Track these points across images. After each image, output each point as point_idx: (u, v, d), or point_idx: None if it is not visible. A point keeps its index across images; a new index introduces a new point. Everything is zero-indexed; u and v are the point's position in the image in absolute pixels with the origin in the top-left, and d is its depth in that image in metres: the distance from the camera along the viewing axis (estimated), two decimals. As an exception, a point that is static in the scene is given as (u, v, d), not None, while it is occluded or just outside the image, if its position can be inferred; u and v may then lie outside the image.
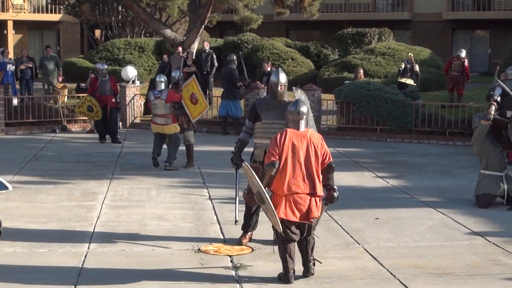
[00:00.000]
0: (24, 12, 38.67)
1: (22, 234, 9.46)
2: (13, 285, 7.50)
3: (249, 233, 9.40)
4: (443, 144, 18.69)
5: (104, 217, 10.66)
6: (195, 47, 24.72)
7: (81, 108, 18.59)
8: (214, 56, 23.19)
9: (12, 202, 11.47)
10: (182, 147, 14.88)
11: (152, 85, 15.51)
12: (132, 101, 21.61)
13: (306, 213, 7.61)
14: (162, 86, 14.46)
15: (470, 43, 37.68)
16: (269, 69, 20.62)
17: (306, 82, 23.10)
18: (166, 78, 14.79)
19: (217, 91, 22.29)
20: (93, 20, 36.15)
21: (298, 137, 7.68)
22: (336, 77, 25.45)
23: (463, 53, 22.32)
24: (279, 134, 7.74)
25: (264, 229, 9.53)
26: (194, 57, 23.25)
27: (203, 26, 25.00)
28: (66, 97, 23.33)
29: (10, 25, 38.29)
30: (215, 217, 10.73)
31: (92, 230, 9.87)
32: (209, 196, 12.18)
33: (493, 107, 11.83)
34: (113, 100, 18.34)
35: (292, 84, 23.55)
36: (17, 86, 23.58)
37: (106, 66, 18.76)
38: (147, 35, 34.60)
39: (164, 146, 14.79)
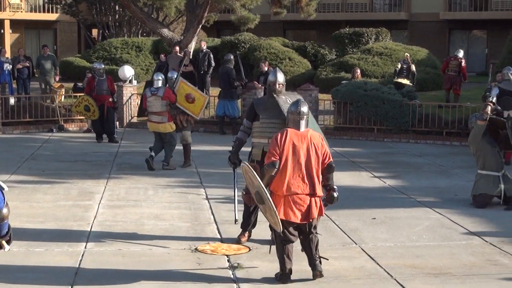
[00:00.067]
0: (21, 12, 38.60)
1: (19, 233, 9.42)
2: (10, 285, 7.49)
3: (248, 231, 9.42)
4: (440, 144, 18.72)
5: (101, 216, 10.65)
6: (192, 46, 24.70)
7: (78, 108, 18.59)
8: (211, 55, 23.18)
9: (9, 201, 11.40)
10: (179, 147, 14.88)
11: (148, 87, 15.44)
12: (129, 100, 21.61)
13: (306, 214, 7.58)
14: (159, 84, 14.42)
15: (467, 43, 37.70)
16: (266, 69, 20.62)
17: (303, 82, 23.10)
18: (163, 77, 14.77)
19: (214, 91, 22.27)
20: (90, 20, 36.11)
21: (298, 137, 7.63)
22: (333, 77, 25.44)
23: (461, 53, 22.32)
24: (279, 134, 7.68)
25: (261, 229, 9.53)
26: (191, 57, 23.23)
27: (200, 26, 24.98)
28: (63, 96, 23.30)
29: (7, 24, 38.23)
30: (212, 216, 10.73)
31: (89, 230, 9.87)
32: (206, 196, 12.17)
33: (490, 108, 11.85)
34: (110, 99, 18.33)
35: (290, 84, 23.60)
36: (14, 86, 23.56)
37: (103, 66, 18.77)
38: (144, 34, 34.56)
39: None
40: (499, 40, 32.85)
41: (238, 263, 8.32)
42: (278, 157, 7.54)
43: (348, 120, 19.95)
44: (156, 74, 14.89)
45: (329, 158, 7.77)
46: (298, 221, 7.58)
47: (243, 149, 9.46)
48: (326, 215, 10.42)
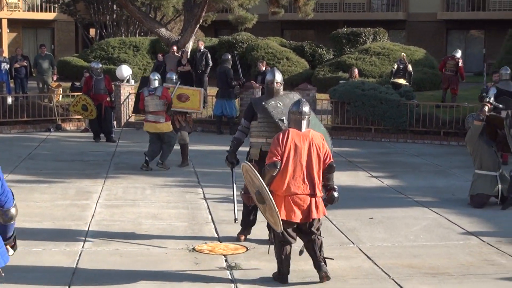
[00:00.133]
0: (19, 11, 38.60)
1: (16, 233, 9.40)
2: (8, 285, 7.47)
3: (247, 229, 9.44)
4: (437, 144, 18.72)
5: (98, 216, 10.65)
6: (189, 46, 24.71)
7: (75, 107, 18.57)
8: (209, 55, 23.18)
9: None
10: (176, 146, 14.87)
11: (143, 83, 15.38)
12: (127, 100, 21.59)
13: (306, 214, 7.52)
14: (156, 84, 14.30)
15: (465, 43, 37.75)
16: (264, 68, 20.62)
17: (301, 82, 23.11)
18: (160, 76, 14.69)
19: (212, 91, 22.27)
20: (87, 19, 36.10)
21: (300, 137, 7.57)
22: (331, 77, 25.48)
23: (458, 54, 22.34)
24: (281, 134, 7.63)
25: (258, 228, 9.54)
26: (188, 56, 23.23)
27: (198, 25, 25.01)
28: (60, 96, 23.28)
29: (4, 23, 38.21)
30: (209, 216, 10.73)
31: (86, 229, 9.86)
32: (204, 195, 12.17)
33: (487, 108, 11.85)
34: (108, 99, 18.31)
35: (287, 83, 23.59)
36: (12, 85, 23.56)
37: (100, 65, 18.75)
38: (142, 34, 34.57)
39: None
40: (497, 40, 32.91)
41: (235, 263, 8.32)
42: (279, 157, 7.48)
43: (345, 120, 19.95)
44: (153, 74, 14.78)
45: (330, 159, 7.73)
46: (298, 221, 7.54)
47: (240, 148, 9.46)
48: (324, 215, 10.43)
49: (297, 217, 7.51)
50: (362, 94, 19.75)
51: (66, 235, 9.50)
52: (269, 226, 9.23)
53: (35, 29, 40.46)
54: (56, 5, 37.42)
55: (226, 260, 8.50)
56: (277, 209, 7.28)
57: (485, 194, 11.58)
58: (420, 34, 36.97)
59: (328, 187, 7.87)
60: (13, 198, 5.38)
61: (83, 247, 9.02)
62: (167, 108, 14.25)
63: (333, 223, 10.28)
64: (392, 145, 18.72)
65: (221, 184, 12.75)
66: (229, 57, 20.99)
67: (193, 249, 8.94)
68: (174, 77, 15.46)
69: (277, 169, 7.47)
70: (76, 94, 20.61)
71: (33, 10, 39.70)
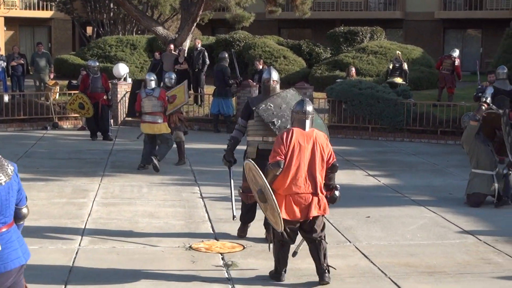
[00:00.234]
0: (16, 9, 38.54)
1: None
2: (4, 282, 7.47)
3: (247, 225, 9.47)
4: (434, 143, 18.76)
5: (95, 214, 10.64)
6: (187, 44, 24.70)
7: (72, 105, 18.55)
8: (206, 53, 23.17)
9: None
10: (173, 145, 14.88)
11: (135, 86, 15.21)
12: (124, 98, 21.57)
13: (306, 211, 7.47)
14: (153, 84, 14.14)
15: (462, 42, 37.78)
16: (261, 67, 20.60)
17: (298, 81, 23.13)
18: (156, 77, 14.55)
19: (209, 89, 22.28)
20: (84, 17, 36.07)
21: (304, 137, 7.51)
22: (328, 76, 25.47)
23: (455, 53, 22.35)
24: (285, 133, 7.57)
25: (256, 227, 9.55)
26: (185, 55, 23.23)
27: (195, 24, 24.98)
28: (57, 94, 23.28)
29: (1, 21, 38.16)
30: (206, 214, 10.73)
31: (83, 227, 9.85)
32: (201, 194, 12.17)
33: (483, 108, 11.86)
34: (105, 97, 18.30)
35: (284, 82, 23.59)
36: (8, 83, 23.53)
37: (97, 63, 18.73)
38: (139, 32, 34.55)
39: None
40: (494, 40, 32.94)
41: (232, 261, 8.32)
42: (283, 156, 7.41)
43: (342, 118, 19.96)
44: (149, 74, 14.59)
45: (333, 158, 7.71)
46: (299, 219, 7.50)
47: (238, 147, 9.46)
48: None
49: (298, 215, 7.46)
50: (359, 93, 19.76)
51: (63, 233, 9.49)
52: (266, 225, 9.26)
53: (32, 27, 40.41)
54: (53, 3, 37.36)
55: (223, 259, 8.50)
56: (278, 209, 7.24)
57: (482, 193, 11.59)
58: (417, 33, 36.99)
59: (330, 187, 7.84)
60: (26, 199, 5.45)
61: (79, 245, 9.02)
62: (164, 110, 14.12)
63: (329, 222, 10.27)
64: (389, 144, 18.73)
65: (218, 183, 12.76)
66: (226, 55, 21.00)
67: (190, 247, 8.94)
68: (173, 77, 15.43)
69: (281, 169, 7.40)
70: (73, 92, 20.61)
71: (30, 8, 39.64)
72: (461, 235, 9.85)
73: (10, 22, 38.50)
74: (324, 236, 7.68)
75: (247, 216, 9.47)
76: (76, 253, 8.65)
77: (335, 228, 10.02)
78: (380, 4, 39.45)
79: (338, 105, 19.99)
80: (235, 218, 9.46)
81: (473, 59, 35.58)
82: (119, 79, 22.00)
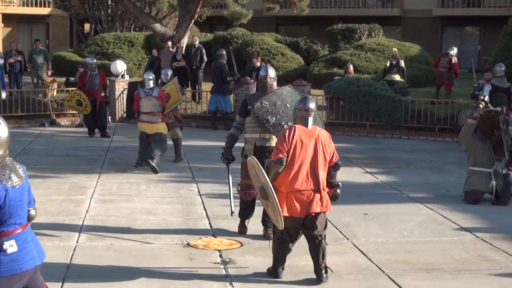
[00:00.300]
0: (13, 6, 38.52)
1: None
2: (1, 279, 7.47)
3: (247, 221, 9.50)
4: (432, 140, 18.77)
5: (93, 211, 10.64)
6: (184, 41, 24.68)
7: (70, 102, 18.54)
8: (204, 51, 23.14)
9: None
10: (170, 142, 14.85)
11: (132, 88, 15.09)
12: (121, 95, 21.55)
13: (307, 207, 7.45)
14: (151, 84, 13.98)
15: (460, 39, 37.80)
16: (258, 64, 20.60)
17: (296, 78, 23.10)
18: (154, 76, 14.42)
19: (207, 86, 22.27)
20: (82, 14, 36.04)
21: (306, 134, 7.49)
22: (326, 73, 25.46)
23: (453, 51, 22.34)
24: (287, 130, 7.55)
25: (254, 224, 9.55)
26: (183, 52, 23.21)
27: (193, 21, 24.95)
28: (55, 91, 23.25)
29: (-1, 18, 38.21)
30: (204, 211, 10.73)
31: (81, 224, 9.85)
32: (198, 191, 12.17)
33: (481, 106, 11.87)
34: (102, 94, 18.29)
35: (282, 79, 23.59)
36: (6, 80, 23.49)
37: (95, 60, 18.71)
38: (137, 29, 34.52)
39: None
40: (492, 37, 32.96)
41: (230, 258, 8.32)
42: (285, 154, 7.39)
43: (340, 115, 19.97)
44: (147, 74, 14.38)
45: (336, 157, 7.69)
46: (300, 215, 7.47)
47: (236, 144, 9.47)
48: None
49: (300, 212, 7.43)
50: (357, 90, 19.76)
51: (61, 230, 9.48)
52: (264, 222, 9.27)
53: (29, 24, 40.40)
54: (51, 0, 37.33)
55: (220, 256, 8.50)
56: (279, 208, 7.22)
57: (480, 190, 11.61)
58: (415, 31, 37.01)
59: (332, 184, 7.82)
60: (34, 200, 5.49)
61: (77, 242, 9.02)
62: (162, 110, 14.03)
63: (327, 219, 10.25)
64: (386, 141, 18.74)
65: (216, 180, 12.75)
66: (224, 52, 20.99)
67: (188, 244, 8.94)
68: (169, 73, 15.40)
69: (283, 166, 7.38)
70: (70, 89, 20.60)
71: (27, 5, 39.62)
72: (458, 232, 9.86)
73: (7, 19, 38.48)
74: (325, 236, 7.67)
75: (245, 213, 9.49)
76: (74, 250, 8.65)
77: (333, 225, 10.02)
78: (378, 1, 39.47)
79: (336, 102, 19.99)
80: (233, 214, 9.47)
81: (471, 56, 35.59)
82: (117, 76, 21.98)
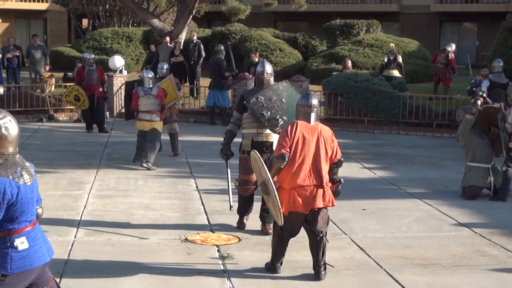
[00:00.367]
0: (11, 1, 38.44)
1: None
2: None
3: (246, 217, 9.53)
4: (430, 136, 18.78)
5: (91, 206, 10.64)
6: (182, 37, 24.67)
7: (68, 97, 18.52)
8: (202, 46, 23.13)
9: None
10: (166, 137, 14.86)
11: (129, 88, 15.01)
12: (119, 90, 21.53)
13: (310, 202, 7.42)
14: (151, 82, 13.94)
15: (458, 35, 37.79)
16: (256, 59, 20.57)
17: (294, 73, 23.11)
18: (153, 74, 14.35)
19: (205, 81, 22.26)
20: (80, 9, 36.00)
21: (308, 129, 7.46)
22: (324, 68, 25.46)
23: (450, 47, 22.35)
24: (289, 126, 7.52)
25: (252, 219, 9.55)
26: (181, 47, 23.19)
27: (191, 16, 24.95)
28: (53, 86, 23.24)
29: (-4, 13, 38.12)
30: (202, 207, 10.73)
31: (79, 219, 9.85)
32: (196, 186, 12.16)
33: (479, 102, 11.87)
34: (100, 89, 18.29)
35: (280, 74, 23.59)
36: (4, 75, 23.47)
37: (93, 56, 18.70)
38: (135, 24, 34.49)
39: None
40: (490, 33, 32.97)
41: (228, 253, 8.32)
42: (288, 149, 7.36)
43: (338, 111, 19.97)
44: (146, 72, 14.30)
45: (340, 154, 7.68)
46: (303, 211, 7.45)
47: (234, 140, 9.47)
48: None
49: (302, 207, 7.40)
50: (355, 85, 19.77)
51: (59, 225, 9.47)
52: (261, 217, 9.27)
53: (27, 19, 40.33)
54: (49, -5, 37.32)
55: (218, 251, 8.50)
56: (280, 205, 7.19)
57: (478, 186, 11.62)
58: (414, 26, 36.99)
59: (334, 181, 7.81)
60: (41, 199, 5.51)
61: (75, 237, 9.01)
62: (161, 108, 13.98)
63: (325, 214, 10.28)
64: (384, 137, 18.74)
65: (214, 175, 12.75)
66: (222, 48, 20.97)
67: (186, 239, 8.94)
68: (165, 67, 15.38)
69: (285, 162, 7.35)
70: (68, 84, 20.58)
71: (25, 0, 39.55)
72: (456, 227, 9.87)
73: (5, 14, 38.40)
74: (326, 233, 7.65)
75: (244, 209, 9.50)
76: (72, 245, 8.65)
77: (331, 220, 9.95)
78: (376, -3, 39.44)
79: (334, 98, 19.99)
80: (232, 208, 9.48)
81: (469, 52, 35.64)
82: (115, 71, 21.97)
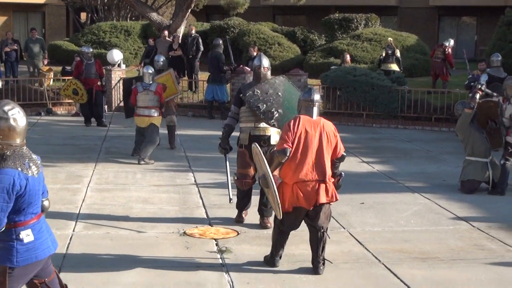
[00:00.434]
0: (9, -5, 38.37)
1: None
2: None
3: (244, 211, 9.53)
4: (428, 130, 18.78)
5: (89, 200, 10.64)
6: (181, 31, 24.63)
7: (66, 91, 18.51)
8: (200, 40, 23.09)
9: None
10: (164, 130, 14.85)
11: (127, 85, 14.98)
12: (118, 84, 21.52)
13: (313, 198, 7.40)
14: (151, 78, 13.85)
15: (457, 29, 37.75)
16: (255, 53, 20.53)
17: (293, 67, 23.09)
18: (153, 70, 14.30)
19: (203, 75, 22.25)
20: (78, 3, 35.96)
21: (311, 124, 7.44)
22: (323, 62, 25.44)
23: (448, 42, 22.37)
24: (292, 120, 7.49)
25: (250, 213, 9.55)
26: (180, 41, 23.17)
27: (189, 10, 24.91)
28: (51, 80, 23.22)
29: (-6, 7, 38.04)
30: (200, 200, 10.73)
31: (77, 213, 9.85)
32: (195, 180, 12.17)
33: (478, 96, 11.87)
34: (99, 83, 18.28)
35: (279, 69, 23.58)
36: (2, 69, 23.47)
37: (91, 49, 18.69)
38: (133, 18, 34.45)
39: None
40: (489, 27, 32.93)
41: (226, 247, 8.32)
42: (290, 144, 7.33)
43: (337, 105, 19.97)
44: (146, 68, 14.18)
45: (343, 149, 7.68)
46: (306, 206, 7.44)
47: (233, 134, 9.47)
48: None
49: (305, 202, 7.39)
50: (354, 79, 19.76)
51: (57, 219, 9.44)
52: (260, 211, 9.28)
53: (25, 13, 40.23)
54: (47, -11, 37.25)
55: (217, 244, 8.51)
56: (278, 200, 7.19)
57: (476, 180, 11.62)
58: (412, 20, 36.95)
59: (336, 175, 7.80)
60: (47, 192, 5.54)
61: (73, 230, 9.02)
62: (160, 105, 13.94)
63: (324, 208, 10.28)
64: (383, 131, 18.74)
65: (212, 169, 12.76)
66: (221, 42, 20.96)
67: (184, 233, 8.95)
68: (161, 59, 15.35)
69: (286, 157, 7.32)
70: (67, 78, 20.57)
71: (23, -6, 39.47)
72: (454, 221, 9.87)
73: (3, 7, 38.32)
74: (327, 228, 7.65)
75: (242, 203, 9.50)
76: (70, 238, 8.65)
77: (329, 214, 10.03)
78: (375, -9, 39.35)
79: (332, 92, 19.99)
80: (231, 201, 9.48)
81: (468, 46, 35.61)
82: (113, 65, 21.96)
